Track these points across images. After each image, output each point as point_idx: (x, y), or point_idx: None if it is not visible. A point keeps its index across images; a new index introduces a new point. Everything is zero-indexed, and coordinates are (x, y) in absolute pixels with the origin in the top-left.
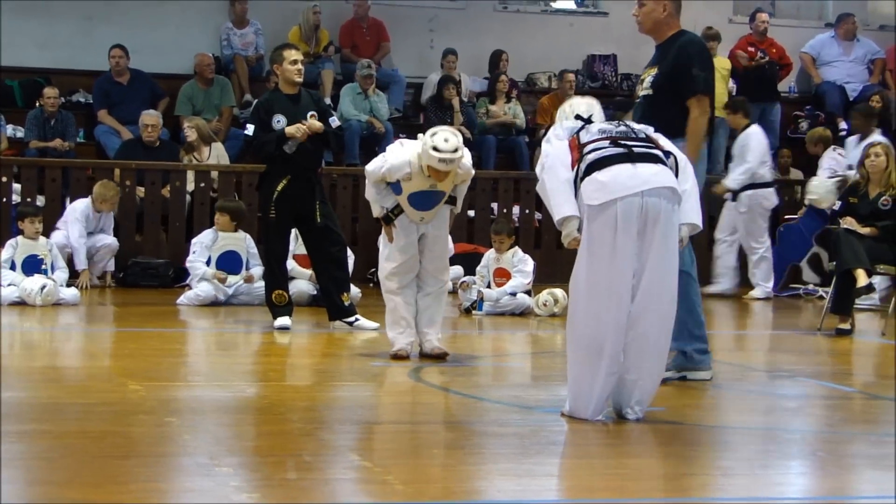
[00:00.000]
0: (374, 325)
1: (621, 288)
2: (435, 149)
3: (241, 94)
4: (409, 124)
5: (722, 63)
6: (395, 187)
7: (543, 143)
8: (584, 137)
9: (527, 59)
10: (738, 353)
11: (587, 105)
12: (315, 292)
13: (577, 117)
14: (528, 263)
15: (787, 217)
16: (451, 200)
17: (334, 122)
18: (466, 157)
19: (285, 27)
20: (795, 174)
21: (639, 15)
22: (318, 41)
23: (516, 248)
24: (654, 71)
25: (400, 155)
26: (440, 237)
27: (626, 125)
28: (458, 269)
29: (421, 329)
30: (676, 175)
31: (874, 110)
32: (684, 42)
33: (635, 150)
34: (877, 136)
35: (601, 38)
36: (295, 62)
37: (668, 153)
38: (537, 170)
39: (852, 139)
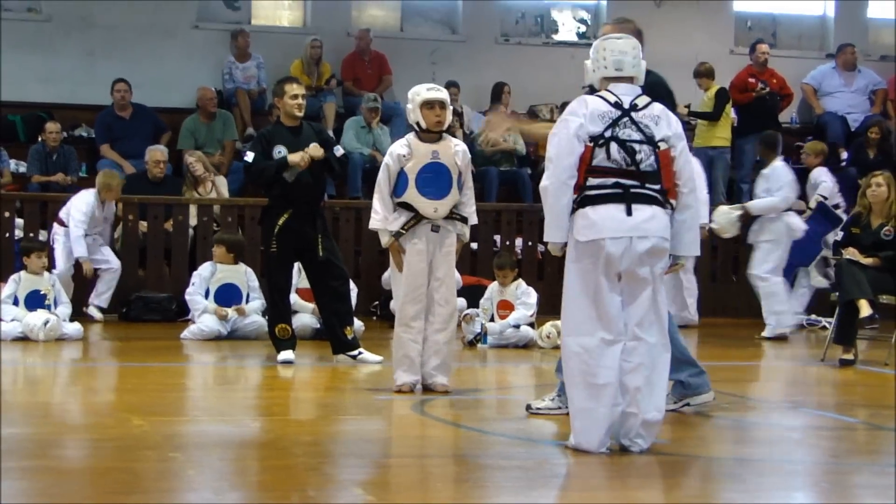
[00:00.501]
0: (378, 358)
1: (609, 323)
2: (419, 94)
3: (243, 127)
4: None
5: (713, 89)
6: (402, 185)
7: (559, 122)
8: (596, 157)
9: (528, 90)
10: (741, 384)
11: (618, 55)
12: (318, 326)
13: (591, 89)
14: (532, 296)
15: None
16: (462, 219)
17: (338, 150)
18: (462, 146)
19: (287, 61)
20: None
21: None
22: (320, 74)
23: (520, 280)
24: None
25: (395, 143)
26: (448, 264)
27: (636, 122)
28: (461, 302)
29: (428, 370)
30: (671, 200)
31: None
32: (653, 82)
33: (633, 190)
34: (821, 174)
35: None
36: (296, 96)
37: (665, 193)
38: (548, 151)
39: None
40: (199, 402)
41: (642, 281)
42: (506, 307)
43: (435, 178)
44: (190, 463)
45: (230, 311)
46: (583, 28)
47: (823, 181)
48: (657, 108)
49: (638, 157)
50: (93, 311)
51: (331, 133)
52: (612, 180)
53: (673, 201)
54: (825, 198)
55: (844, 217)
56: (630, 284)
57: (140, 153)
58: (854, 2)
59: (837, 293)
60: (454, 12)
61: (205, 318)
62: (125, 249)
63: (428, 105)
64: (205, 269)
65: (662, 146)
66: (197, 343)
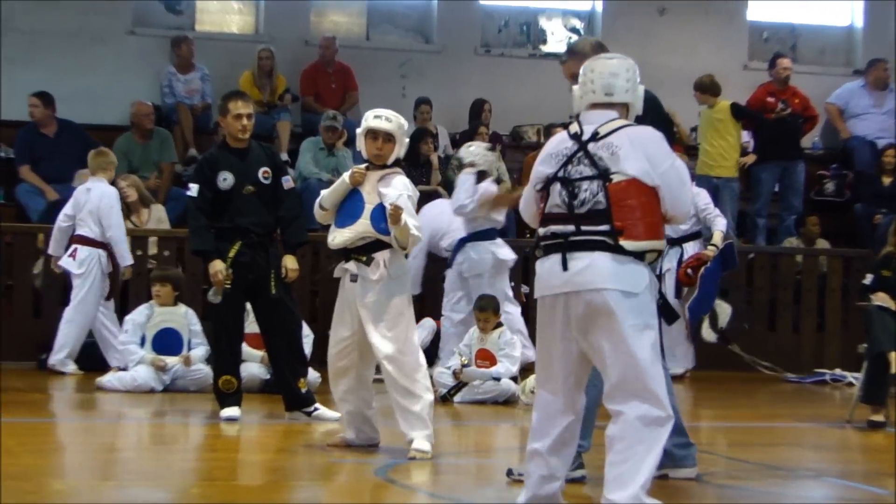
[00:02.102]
0: (336, 415)
1: (554, 383)
2: (366, 120)
3: (184, 148)
4: None
5: (722, 107)
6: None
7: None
8: (548, 202)
9: (512, 109)
10: (756, 449)
11: (608, 78)
12: (268, 377)
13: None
14: (516, 347)
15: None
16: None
17: (287, 181)
18: (401, 186)
19: (236, 72)
20: (822, 244)
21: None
22: (274, 88)
23: (504, 328)
24: None
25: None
26: (380, 300)
27: (590, 155)
28: (429, 324)
29: (401, 430)
30: (632, 239)
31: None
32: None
33: (571, 238)
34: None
35: None
36: (239, 116)
37: (616, 234)
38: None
39: None
40: (130, 464)
41: (598, 349)
42: (485, 357)
43: (350, 208)
44: None
45: (174, 361)
46: (575, 38)
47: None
48: (627, 133)
49: (581, 196)
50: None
51: (285, 156)
52: (552, 228)
53: (633, 242)
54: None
55: None
56: (589, 344)
57: (66, 176)
58: (886, 11)
59: (865, 345)
60: (428, 18)
61: (139, 369)
62: (45, 288)
63: (371, 135)
64: (139, 313)
65: (616, 178)
66: (129, 396)
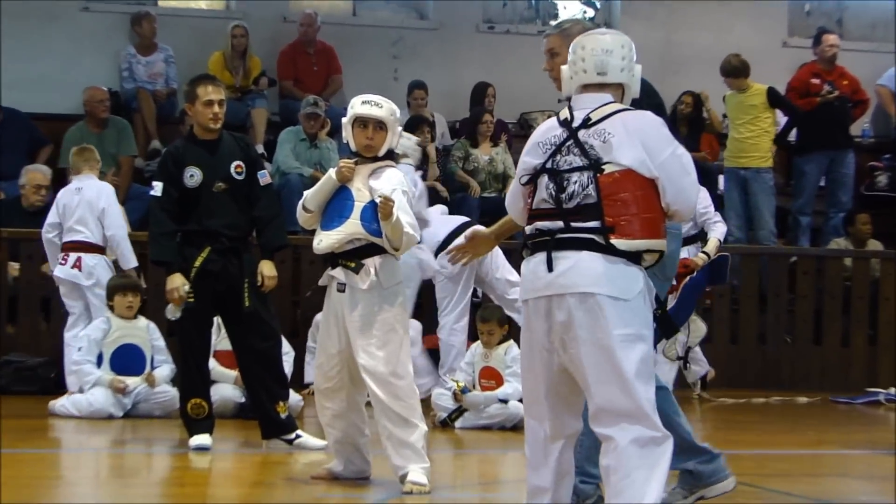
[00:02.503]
0: (321, 443)
1: (538, 404)
2: (353, 106)
3: (146, 139)
4: None
5: (756, 91)
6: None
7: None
8: (535, 197)
9: (519, 93)
10: (800, 480)
11: (601, 55)
12: (243, 400)
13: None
14: None
15: None
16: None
17: (264, 177)
18: (395, 180)
19: (204, 53)
20: (874, 245)
21: (552, 70)
22: (248, 71)
23: (511, 343)
24: None
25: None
26: (370, 312)
27: (580, 144)
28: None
29: (392, 463)
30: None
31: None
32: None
33: (558, 235)
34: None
35: None
36: (210, 103)
37: (606, 231)
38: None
39: None
40: (88, 498)
41: (579, 363)
42: (490, 376)
43: (337, 207)
44: None
45: (135, 381)
46: (590, 12)
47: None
48: (622, 118)
49: (569, 189)
50: None
51: (261, 148)
52: (538, 225)
53: (625, 241)
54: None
55: None
56: (570, 365)
57: (12, 173)
58: None
59: None
60: None
61: (96, 392)
62: None
63: (360, 123)
64: (95, 328)
65: (608, 169)
66: (85, 423)
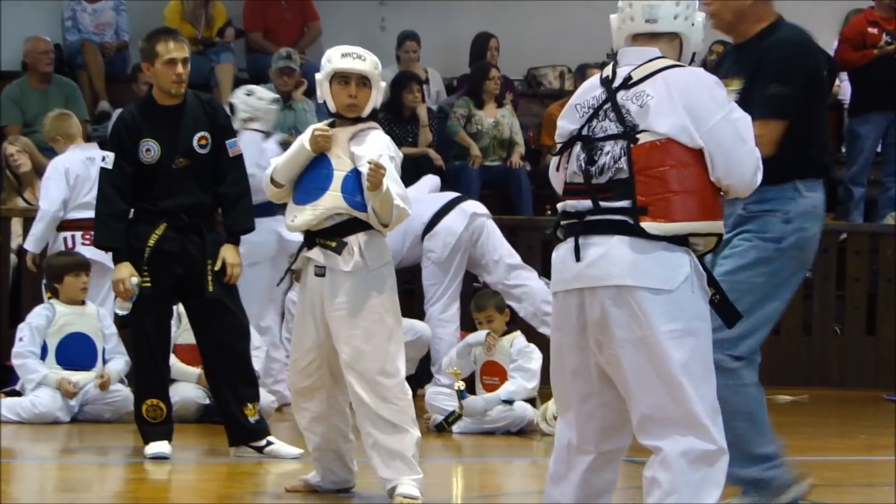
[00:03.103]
0: (296, 451)
1: (568, 410)
2: (330, 60)
3: (93, 100)
4: None
5: None
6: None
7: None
8: (568, 169)
9: (526, 46)
10: (851, 491)
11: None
12: (207, 401)
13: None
14: (534, 358)
15: None
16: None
17: (233, 146)
18: (382, 144)
19: (160, 2)
20: None
21: (711, 4)
22: (211, 21)
23: (517, 333)
24: (736, 85)
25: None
26: (354, 300)
27: (618, 107)
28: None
29: (380, 475)
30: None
31: None
32: (770, 45)
33: (588, 217)
34: None
35: None
36: (172, 63)
37: (637, 212)
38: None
39: None
40: None
41: (618, 366)
42: (494, 372)
43: (313, 180)
44: None
45: (86, 379)
46: None
47: None
48: (665, 77)
49: (600, 161)
50: None
51: (229, 110)
52: (569, 203)
53: (658, 224)
54: None
55: None
56: (609, 368)
57: None
58: None
59: None
60: None
61: (42, 392)
62: None
63: (340, 79)
64: (38, 315)
65: (644, 138)
66: (26, 428)
